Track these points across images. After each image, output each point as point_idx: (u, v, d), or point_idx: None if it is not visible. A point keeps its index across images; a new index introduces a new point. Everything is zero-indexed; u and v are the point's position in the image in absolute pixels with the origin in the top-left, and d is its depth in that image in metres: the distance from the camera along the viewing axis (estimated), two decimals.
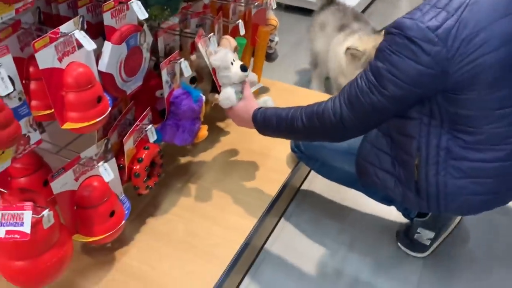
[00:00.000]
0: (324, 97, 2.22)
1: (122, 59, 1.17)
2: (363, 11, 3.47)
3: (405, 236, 1.62)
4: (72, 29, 1.01)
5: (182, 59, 1.38)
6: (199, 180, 1.69)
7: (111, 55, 1.12)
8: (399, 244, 1.64)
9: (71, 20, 1.01)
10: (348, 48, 1.97)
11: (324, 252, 1.63)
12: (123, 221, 1.31)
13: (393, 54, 1.10)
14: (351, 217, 1.77)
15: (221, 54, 1.45)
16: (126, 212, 1.34)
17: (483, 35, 1.06)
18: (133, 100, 1.42)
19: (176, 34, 1.56)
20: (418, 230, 1.57)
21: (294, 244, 1.65)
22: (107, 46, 1.12)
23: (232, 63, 1.45)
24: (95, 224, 1.25)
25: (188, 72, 1.39)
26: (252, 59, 2.04)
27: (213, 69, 1.46)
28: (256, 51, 1.99)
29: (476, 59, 1.07)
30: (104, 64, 1.12)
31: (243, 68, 1.46)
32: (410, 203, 1.34)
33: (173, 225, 1.51)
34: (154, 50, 1.53)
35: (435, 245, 1.58)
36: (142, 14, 1.12)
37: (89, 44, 0.99)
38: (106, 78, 1.16)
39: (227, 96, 1.44)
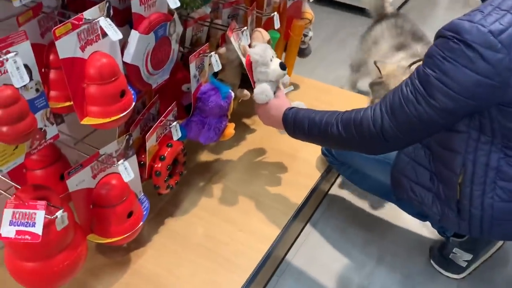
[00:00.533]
0: (356, 96, 2.15)
1: (149, 50, 1.08)
2: (399, 8, 3.31)
3: (439, 253, 1.51)
4: (97, 15, 0.92)
5: (213, 53, 1.28)
6: (222, 180, 1.60)
7: (137, 46, 1.03)
8: (432, 261, 1.52)
9: (96, 6, 0.92)
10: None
11: (349, 264, 1.53)
12: (141, 223, 1.23)
13: (446, 61, 0.98)
14: (380, 228, 1.66)
15: (261, 48, 1.35)
16: (145, 212, 1.26)
17: None
18: (157, 93, 1.33)
19: (207, 25, 1.47)
20: (454, 250, 1.45)
21: (318, 255, 1.55)
22: (134, 35, 1.03)
23: (271, 60, 1.35)
24: (112, 225, 1.17)
25: (218, 67, 1.29)
26: (284, 54, 1.93)
27: (248, 64, 1.36)
28: (288, 46, 1.88)
29: None
30: (129, 55, 1.03)
31: (283, 66, 1.37)
32: (449, 223, 1.23)
33: (193, 227, 1.43)
34: (181, 40, 1.44)
35: (472, 268, 1.46)
36: (173, 2, 1.02)
37: (115, 34, 0.90)
38: (131, 70, 1.07)
39: (262, 90, 1.34)
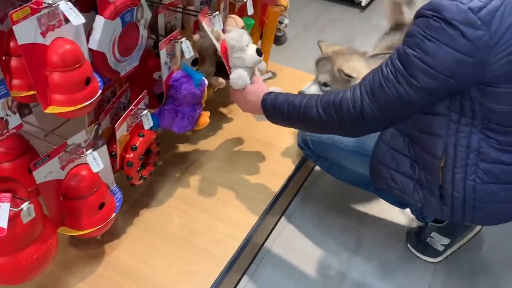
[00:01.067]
0: None
1: (116, 36, 1.05)
2: (367, 6, 3.30)
3: (416, 238, 1.52)
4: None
5: (184, 39, 1.25)
6: (199, 170, 1.58)
7: (103, 32, 1.00)
8: (408, 245, 1.53)
9: None
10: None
11: (327, 252, 1.53)
12: (114, 214, 1.21)
13: (426, 40, 0.96)
14: (357, 216, 1.67)
15: (237, 34, 1.33)
16: (118, 204, 1.24)
17: None
18: (128, 81, 1.30)
19: (179, 11, 1.43)
20: (432, 235, 1.46)
21: (296, 243, 1.55)
22: (99, 21, 1.00)
23: (247, 45, 1.33)
24: (83, 217, 1.14)
25: (189, 53, 1.27)
26: (259, 42, 1.91)
27: (223, 49, 1.33)
28: (264, 33, 1.85)
29: None
30: (95, 42, 1.00)
31: (259, 52, 1.35)
32: (431, 210, 1.22)
33: (169, 218, 1.41)
34: (153, 28, 1.41)
35: (448, 252, 1.48)
36: None
37: (76, 18, 0.87)
38: (97, 57, 1.04)
39: (239, 76, 1.32)
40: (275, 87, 1.42)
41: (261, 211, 1.44)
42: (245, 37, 1.35)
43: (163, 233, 1.36)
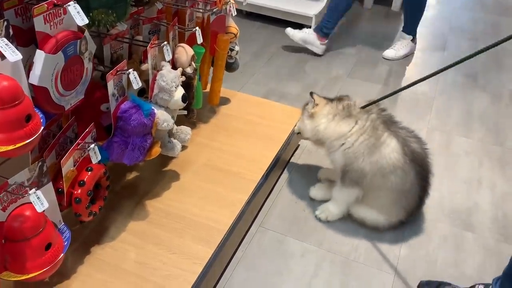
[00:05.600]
0: (286, 109, 2.15)
1: (59, 70, 1.02)
2: None
3: None
4: None
5: (131, 70, 1.23)
6: (151, 201, 1.54)
7: (44, 66, 0.97)
8: None
9: None
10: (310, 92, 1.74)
11: (289, 276, 1.52)
12: (62, 254, 1.14)
13: None
14: (316, 236, 1.67)
15: (169, 76, 1.36)
16: (66, 243, 1.18)
17: None
18: (74, 115, 1.26)
19: (125, 42, 1.42)
20: None
21: (256, 270, 1.53)
22: (40, 55, 0.96)
23: (175, 88, 1.38)
24: (28, 260, 1.08)
25: (137, 84, 1.25)
26: (211, 69, 1.91)
27: (153, 82, 1.36)
28: (215, 60, 1.86)
29: None
30: (35, 77, 0.97)
31: (184, 99, 1.41)
32: None
33: (122, 254, 1.36)
34: (100, 59, 1.38)
35: None
36: (80, 19, 0.97)
37: (12, 54, 0.83)
38: (39, 92, 1.00)
39: (166, 118, 1.37)
40: (183, 126, 1.56)
41: (218, 241, 1.41)
42: (176, 80, 1.39)
43: (116, 270, 1.31)
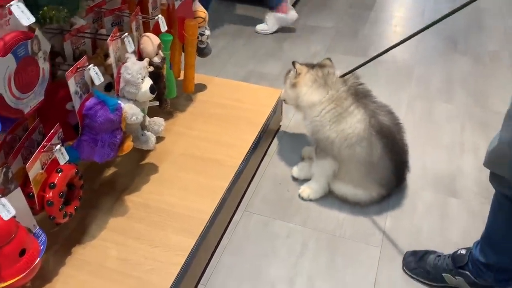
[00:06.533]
0: (265, 90, 2.12)
1: (11, 73, 0.99)
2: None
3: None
4: None
5: (91, 66, 1.20)
6: (131, 196, 1.52)
7: None
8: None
9: None
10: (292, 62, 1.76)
11: (276, 258, 1.52)
12: (38, 259, 1.13)
13: None
14: (301, 216, 1.67)
15: (134, 68, 1.32)
16: (42, 247, 1.16)
17: None
18: (40, 116, 1.23)
19: (86, 37, 1.38)
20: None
21: (243, 254, 1.53)
22: None
23: (142, 80, 1.34)
24: (2, 268, 1.06)
25: (99, 80, 1.21)
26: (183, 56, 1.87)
27: (118, 75, 1.33)
28: (185, 47, 1.82)
29: None
30: None
31: (153, 90, 1.37)
32: None
33: (103, 252, 1.34)
34: (63, 56, 1.35)
35: None
36: (26, 18, 0.93)
37: None
38: None
39: (134, 112, 1.33)
40: (156, 118, 1.53)
41: (200, 230, 1.40)
42: (142, 71, 1.35)
43: (98, 269, 1.30)
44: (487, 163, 1.14)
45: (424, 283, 1.43)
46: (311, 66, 1.72)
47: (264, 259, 1.52)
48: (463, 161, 1.92)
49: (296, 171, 1.82)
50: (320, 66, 1.71)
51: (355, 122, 1.56)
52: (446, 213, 1.69)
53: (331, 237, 1.59)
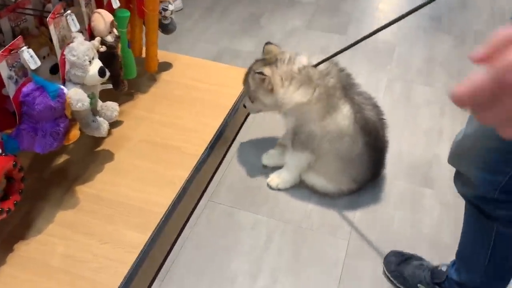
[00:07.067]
0: (233, 69, 1.98)
1: None
2: None
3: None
4: None
5: (25, 48, 1.07)
6: (82, 187, 1.42)
7: None
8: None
9: None
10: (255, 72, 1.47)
11: (241, 249, 1.44)
12: None
13: None
14: (267, 207, 1.59)
15: (83, 49, 1.20)
16: None
17: None
18: None
19: (28, 13, 1.24)
20: None
21: (203, 248, 1.45)
22: None
23: (90, 62, 1.22)
24: None
25: (35, 64, 1.09)
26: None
27: (62, 57, 1.20)
28: (146, 23, 1.69)
29: None
30: None
31: (102, 72, 1.24)
32: None
33: (50, 248, 1.25)
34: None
35: None
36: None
37: None
38: None
39: (80, 98, 1.20)
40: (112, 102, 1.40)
41: (155, 225, 1.31)
42: (90, 52, 1.23)
43: (43, 267, 1.21)
44: (451, 159, 1.05)
45: (395, 286, 1.36)
46: (270, 63, 1.48)
47: (226, 252, 1.44)
48: (440, 149, 1.84)
49: (265, 159, 1.73)
50: (281, 59, 1.46)
51: (341, 118, 1.44)
52: (419, 205, 1.62)
53: (297, 229, 1.52)
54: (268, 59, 1.49)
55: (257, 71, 1.44)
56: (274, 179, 1.65)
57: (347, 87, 1.48)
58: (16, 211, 1.18)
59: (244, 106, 1.62)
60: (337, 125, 1.44)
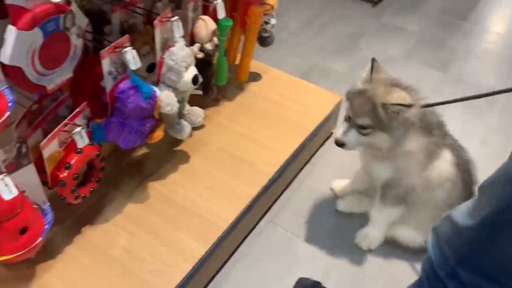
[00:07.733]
0: (323, 93, 1.94)
1: (36, 48, 0.91)
2: (379, 1, 3.08)
3: None
4: None
5: (129, 48, 1.10)
6: (154, 183, 1.45)
7: (16, 44, 0.87)
8: None
9: None
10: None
11: (288, 285, 1.40)
12: (40, 238, 1.09)
13: None
14: (329, 242, 1.53)
15: (180, 55, 1.23)
16: (47, 226, 1.12)
17: None
18: (72, 89, 1.17)
19: (138, 12, 1.29)
20: None
21: (254, 273, 1.43)
22: (11, 31, 0.86)
23: (186, 68, 1.25)
24: (1, 242, 1.03)
25: (135, 65, 1.12)
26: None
27: (161, 59, 1.24)
28: (245, 34, 1.69)
29: None
30: (6, 55, 0.87)
31: (195, 80, 1.26)
32: None
33: (112, 238, 1.29)
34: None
35: None
36: None
37: None
38: (11, 71, 0.90)
39: (170, 101, 1.24)
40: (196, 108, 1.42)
41: (215, 238, 1.31)
42: (189, 59, 1.26)
43: (103, 255, 1.25)
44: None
45: None
46: (400, 85, 1.25)
47: (278, 281, 1.41)
48: None
49: (342, 204, 1.62)
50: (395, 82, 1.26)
51: (443, 163, 1.31)
52: None
53: (357, 274, 1.45)
54: (389, 83, 1.26)
55: (406, 103, 1.19)
56: (364, 239, 1.52)
57: (443, 130, 1.35)
58: (90, 195, 1.23)
59: (340, 145, 1.33)
60: (440, 173, 1.32)
